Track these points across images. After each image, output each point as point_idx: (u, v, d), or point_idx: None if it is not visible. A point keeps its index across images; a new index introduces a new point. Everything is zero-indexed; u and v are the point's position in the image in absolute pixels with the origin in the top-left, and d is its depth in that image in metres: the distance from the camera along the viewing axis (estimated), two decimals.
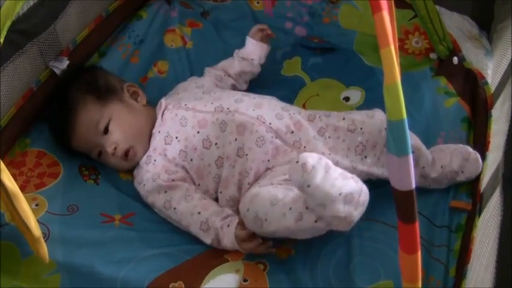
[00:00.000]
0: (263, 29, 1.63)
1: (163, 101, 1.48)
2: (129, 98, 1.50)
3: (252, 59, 1.62)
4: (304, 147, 1.36)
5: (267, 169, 1.34)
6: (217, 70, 1.62)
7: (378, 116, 1.37)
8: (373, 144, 1.35)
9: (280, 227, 1.17)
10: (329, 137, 1.38)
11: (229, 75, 1.62)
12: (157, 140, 1.42)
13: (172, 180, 1.38)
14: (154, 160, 1.41)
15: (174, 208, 1.35)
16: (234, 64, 1.62)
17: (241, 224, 1.27)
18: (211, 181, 1.39)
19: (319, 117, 1.41)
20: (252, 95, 1.47)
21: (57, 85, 1.49)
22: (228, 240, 1.28)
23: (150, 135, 1.44)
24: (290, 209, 1.15)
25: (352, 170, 1.28)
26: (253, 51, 1.63)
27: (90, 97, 1.44)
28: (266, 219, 1.18)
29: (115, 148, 1.42)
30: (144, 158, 1.43)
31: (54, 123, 1.47)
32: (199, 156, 1.38)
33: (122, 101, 1.48)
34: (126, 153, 1.43)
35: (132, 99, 1.50)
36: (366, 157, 1.34)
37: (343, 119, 1.39)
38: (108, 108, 1.44)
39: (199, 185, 1.40)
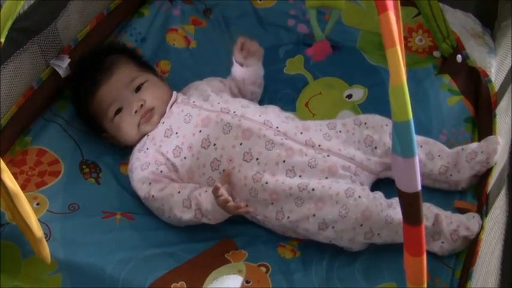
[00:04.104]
0: (243, 44, 1.52)
1: (174, 93, 1.51)
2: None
3: (243, 79, 1.57)
4: (319, 145, 1.36)
5: (288, 170, 1.32)
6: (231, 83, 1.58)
7: (377, 115, 1.42)
8: (380, 137, 1.38)
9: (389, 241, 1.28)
10: (340, 131, 1.40)
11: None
12: (158, 130, 1.43)
13: (161, 171, 1.38)
14: (147, 148, 1.41)
15: (153, 196, 1.35)
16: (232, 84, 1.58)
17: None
18: (203, 182, 1.37)
19: (321, 124, 1.44)
20: (257, 105, 1.48)
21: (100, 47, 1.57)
22: (208, 202, 1.30)
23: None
24: None
25: (367, 161, 1.36)
26: (240, 74, 1.56)
27: (132, 61, 1.53)
28: (379, 234, 1.26)
29: (141, 105, 1.44)
30: (140, 143, 1.44)
31: (89, 68, 1.49)
32: (194, 156, 1.37)
33: (158, 78, 1.55)
34: (146, 113, 1.45)
35: None
36: (376, 148, 1.38)
37: (348, 117, 1.43)
38: (146, 73, 1.51)
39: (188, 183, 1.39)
